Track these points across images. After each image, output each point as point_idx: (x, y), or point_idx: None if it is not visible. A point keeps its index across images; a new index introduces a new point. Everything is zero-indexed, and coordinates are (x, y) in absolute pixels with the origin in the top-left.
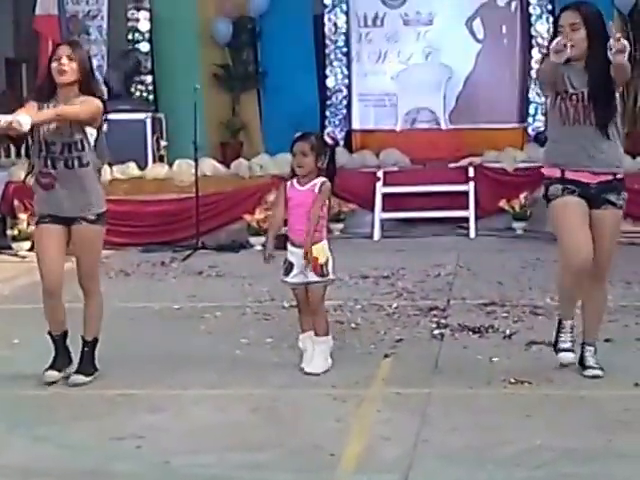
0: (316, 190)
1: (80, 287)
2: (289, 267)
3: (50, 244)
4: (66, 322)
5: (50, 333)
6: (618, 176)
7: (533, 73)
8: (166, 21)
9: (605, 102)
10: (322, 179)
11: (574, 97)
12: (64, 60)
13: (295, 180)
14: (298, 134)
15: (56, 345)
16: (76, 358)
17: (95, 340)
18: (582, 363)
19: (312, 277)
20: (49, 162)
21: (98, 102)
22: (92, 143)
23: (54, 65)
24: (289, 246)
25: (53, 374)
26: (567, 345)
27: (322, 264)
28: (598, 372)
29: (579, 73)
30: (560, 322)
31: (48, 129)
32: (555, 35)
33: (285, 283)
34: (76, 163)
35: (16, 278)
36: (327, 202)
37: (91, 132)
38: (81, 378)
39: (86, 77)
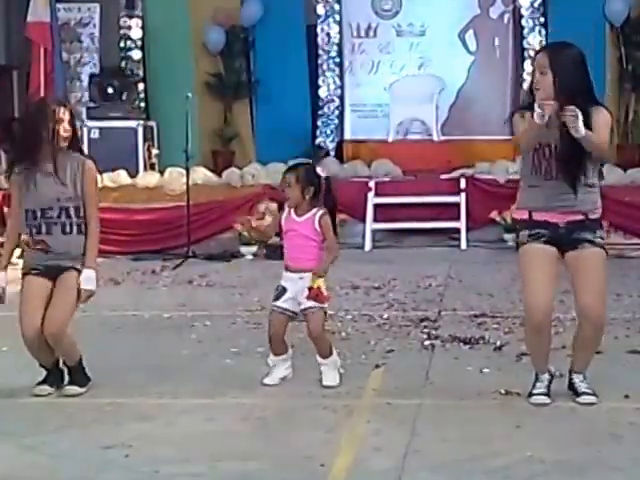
0: (316, 225)
1: (46, 335)
2: (282, 292)
3: (35, 297)
4: (54, 354)
5: (40, 364)
6: (591, 216)
7: (525, 85)
8: (158, 29)
9: (576, 159)
10: (320, 211)
11: (546, 150)
12: (67, 125)
13: (292, 210)
14: (290, 164)
15: (48, 370)
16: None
17: (79, 360)
18: (573, 389)
19: (308, 303)
20: (43, 228)
21: (95, 176)
22: None
23: (57, 128)
24: (285, 272)
25: (44, 388)
26: (541, 390)
27: (322, 291)
28: (592, 399)
29: (552, 123)
30: (536, 375)
31: (42, 194)
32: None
33: (275, 308)
34: (75, 229)
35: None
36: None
37: None
38: (75, 389)
39: (75, 136)
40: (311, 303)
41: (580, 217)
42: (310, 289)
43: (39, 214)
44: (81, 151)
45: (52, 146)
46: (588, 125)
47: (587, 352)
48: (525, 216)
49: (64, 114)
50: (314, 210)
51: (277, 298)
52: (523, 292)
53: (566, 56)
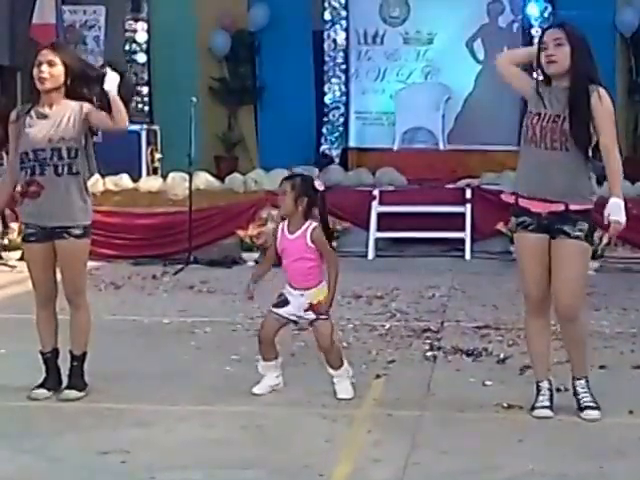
0: (308, 241)
1: (67, 300)
2: (284, 303)
3: (40, 266)
4: (57, 338)
5: (41, 352)
6: (572, 207)
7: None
8: (164, 32)
9: (585, 125)
10: (311, 225)
11: (548, 119)
12: (44, 67)
13: (285, 225)
14: (291, 171)
15: (47, 365)
16: (65, 373)
17: (84, 354)
18: (577, 402)
19: (309, 315)
20: (37, 169)
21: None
22: (85, 152)
23: (34, 71)
24: (287, 286)
25: (42, 392)
26: (544, 404)
27: (323, 303)
28: (595, 414)
29: (559, 95)
30: (537, 386)
31: (34, 135)
32: (539, 54)
33: (272, 313)
34: (66, 170)
35: (5, 288)
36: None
37: (89, 140)
38: (74, 393)
39: (73, 81)
40: (314, 316)
41: (561, 208)
42: (311, 305)
43: (32, 156)
44: (82, 98)
45: (38, 89)
46: (587, 107)
47: (576, 350)
48: (512, 200)
49: (44, 56)
50: (306, 224)
51: (277, 306)
52: (520, 278)
53: (580, 33)
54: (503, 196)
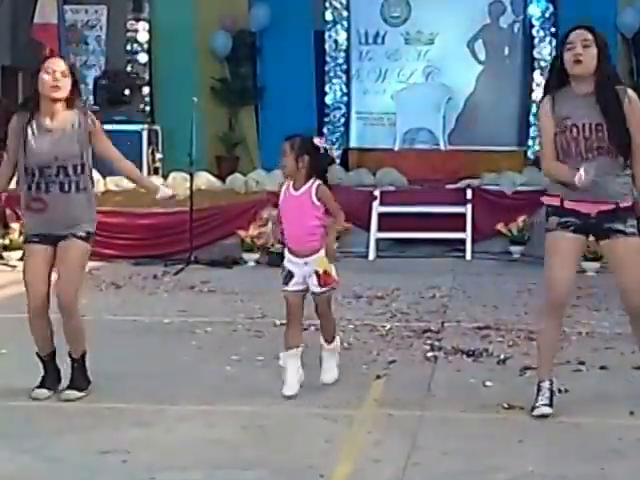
0: (313, 197)
1: (59, 309)
2: (288, 276)
3: (37, 265)
4: (54, 341)
5: (38, 354)
6: (621, 204)
7: (534, 95)
8: (165, 32)
9: (624, 130)
10: (316, 182)
11: (590, 129)
12: (58, 75)
13: (291, 184)
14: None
15: (45, 366)
16: (67, 373)
17: (83, 354)
18: None
19: (317, 289)
20: (42, 186)
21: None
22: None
23: (46, 78)
24: (287, 254)
25: (43, 392)
26: (543, 402)
27: (330, 274)
28: None
29: (580, 102)
30: (538, 386)
31: (40, 152)
32: (558, 55)
33: (286, 292)
34: (73, 187)
35: (5, 287)
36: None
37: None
38: (75, 393)
39: (75, 93)
40: (323, 289)
41: (611, 206)
42: (318, 275)
43: (37, 172)
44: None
45: (45, 98)
46: (618, 104)
47: None
48: (556, 203)
49: (58, 65)
50: (311, 181)
51: (286, 283)
52: (544, 274)
53: (604, 37)
54: (543, 198)
